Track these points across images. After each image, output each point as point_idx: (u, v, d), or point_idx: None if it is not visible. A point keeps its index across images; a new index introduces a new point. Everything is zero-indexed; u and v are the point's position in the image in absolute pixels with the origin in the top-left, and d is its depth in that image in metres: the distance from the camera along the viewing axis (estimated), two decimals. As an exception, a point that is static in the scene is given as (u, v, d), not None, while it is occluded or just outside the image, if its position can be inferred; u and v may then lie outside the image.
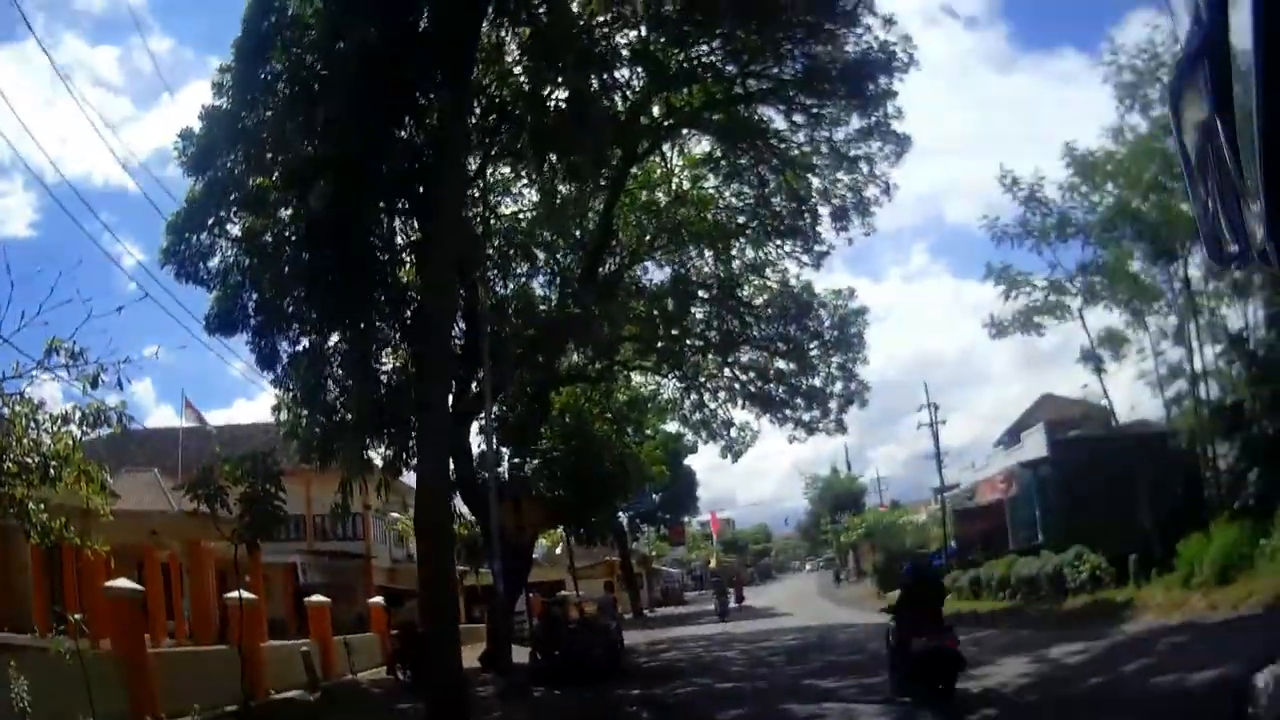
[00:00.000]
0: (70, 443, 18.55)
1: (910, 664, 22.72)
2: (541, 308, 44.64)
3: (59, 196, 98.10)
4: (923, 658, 22.33)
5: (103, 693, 22.29)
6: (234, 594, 32.22)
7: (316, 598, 42.89)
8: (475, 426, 42.29)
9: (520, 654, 39.39)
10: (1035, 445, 56.56)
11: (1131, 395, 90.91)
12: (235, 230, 34.15)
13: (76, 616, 21.15)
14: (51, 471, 18.00)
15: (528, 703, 33.17)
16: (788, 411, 53.49)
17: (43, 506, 18.45)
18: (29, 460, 17.73)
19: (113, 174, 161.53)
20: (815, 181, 47.04)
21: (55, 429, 18.58)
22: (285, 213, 33.30)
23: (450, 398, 37.86)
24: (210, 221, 33.24)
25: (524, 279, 45.71)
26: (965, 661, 23.04)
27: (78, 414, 18.87)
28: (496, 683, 36.38)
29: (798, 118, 44.88)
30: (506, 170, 42.64)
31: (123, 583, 27.36)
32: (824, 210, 47.24)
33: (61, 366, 18.17)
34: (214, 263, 33.76)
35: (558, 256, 47.23)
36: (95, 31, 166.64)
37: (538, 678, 36.81)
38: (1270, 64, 1.92)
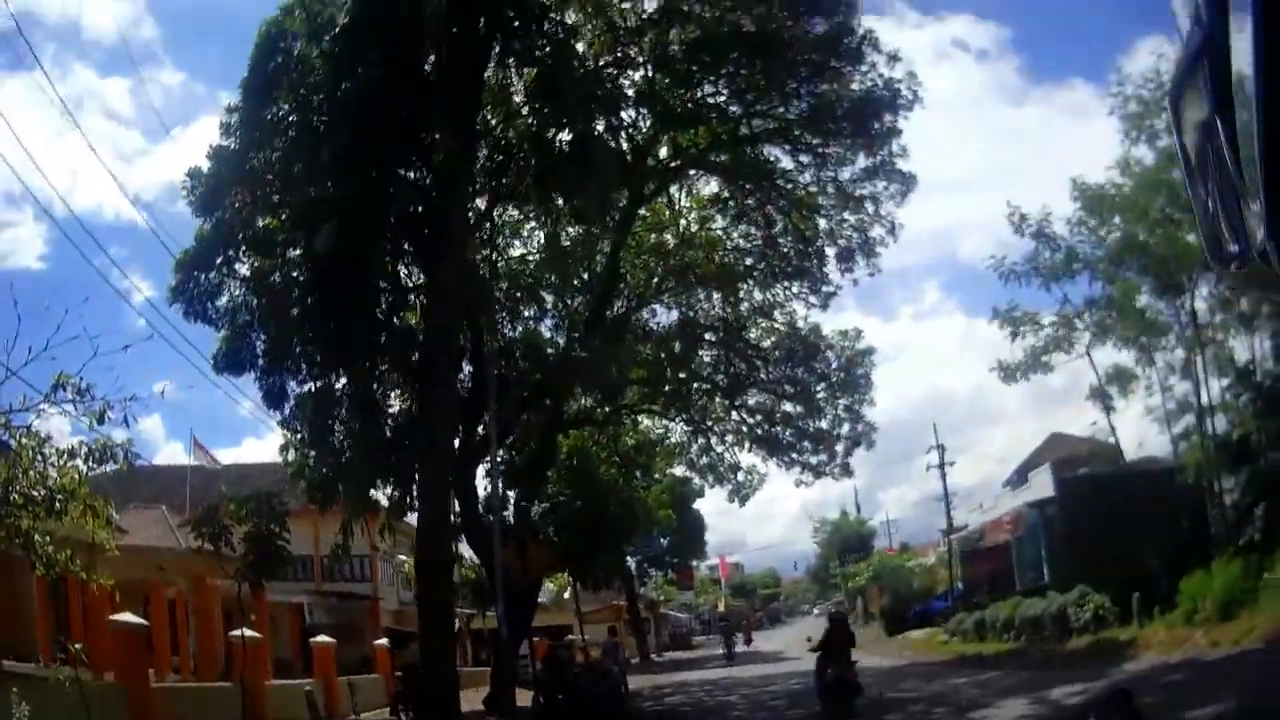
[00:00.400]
0: (76, 477, 18.64)
1: (823, 687, 29.20)
2: (549, 350, 44.70)
3: (68, 229, 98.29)
4: (831, 684, 28.78)
5: (109, 724, 22.39)
6: (238, 632, 32.33)
7: (321, 638, 42.93)
8: (482, 469, 42.24)
9: (525, 697, 39.40)
10: (1042, 485, 56.40)
11: (1139, 432, 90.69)
12: (243, 270, 34.42)
13: (77, 646, 21.20)
14: (57, 505, 18.09)
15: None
16: (795, 454, 53.57)
17: (48, 538, 18.54)
18: (35, 493, 17.82)
19: (124, 207, 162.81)
20: (822, 222, 47.16)
21: (61, 463, 18.68)
22: (294, 253, 33.47)
23: (456, 440, 38.00)
24: (219, 261, 33.50)
25: (532, 322, 45.84)
26: (862, 688, 29.12)
27: (84, 449, 18.97)
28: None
29: (803, 157, 45.20)
30: (514, 213, 42.85)
31: (127, 616, 27.49)
32: (830, 251, 47.50)
33: (68, 401, 18.29)
34: (222, 302, 34.07)
35: (565, 299, 47.23)
36: (107, 63, 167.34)
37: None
38: (1270, 64, 1.93)
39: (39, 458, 18.28)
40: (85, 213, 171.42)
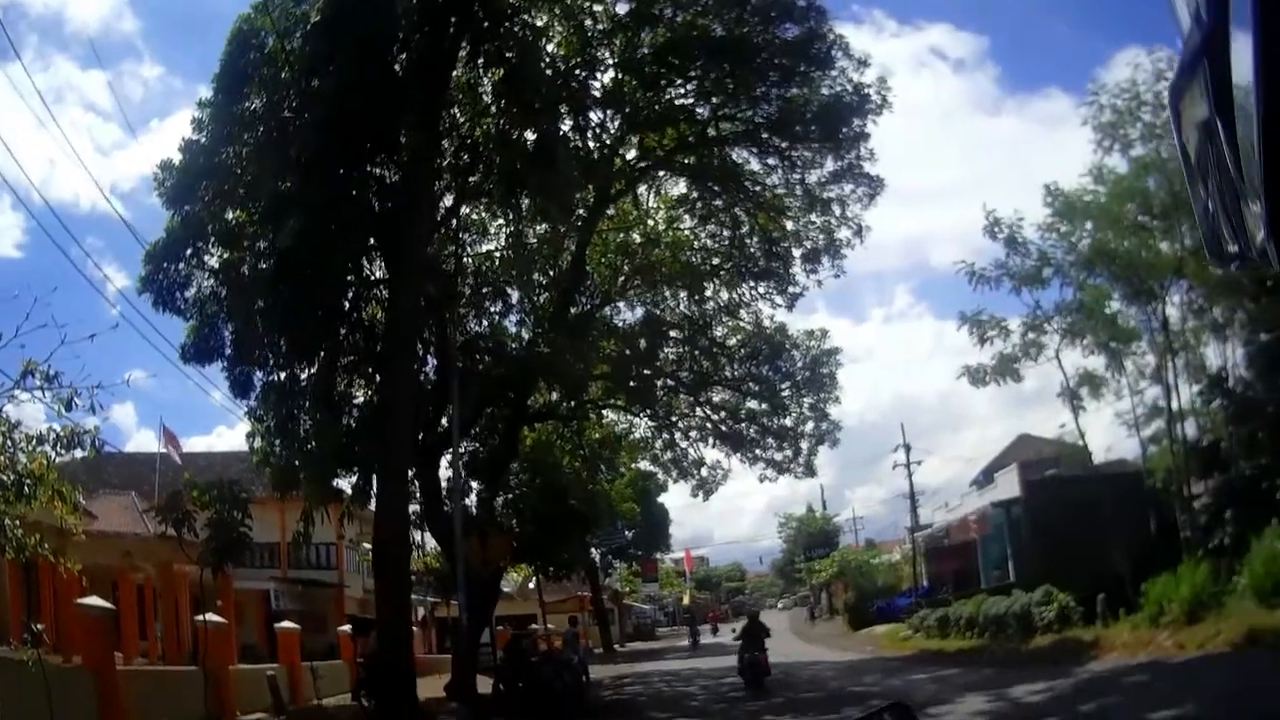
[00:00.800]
0: (45, 462, 18.97)
1: (742, 666, 39.73)
2: (513, 345, 44.90)
3: (44, 219, 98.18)
4: (747, 664, 39.30)
5: (73, 707, 22.69)
6: (202, 617, 32.72)
7: (286, 624, 43.25)
8: (445, 460, 42.39)
9: (486, 684, 39.72)
10: (1009, 485, 56.94)
11: (1110, 436, 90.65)
12: (212, 262, 34.65)
13: (39, 626, 21.54)
14: (26, 489, 18.43)
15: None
16: (758, 451, 53.92)
17: (18, 523, 18.89)
18: (4, 477, 18.16)
19: (101, 198, 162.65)
20: (788, 224, 47.53)
21: (30, 449, 19.01)
22: (261, 246, 33.68)
23: (420, 432, 38.35)
24: (188, 253, 33.72)
25: (497, 316, 45.74)
26: (769, 669, 39.77)
27: (52, 435, 19.30)
28: (460, 712, 36.57)
29: (771, 160, 45.40)
30: (481, 210, 43.02)
31: (94, 600, 27.74)
32: (797, 252, 47.99)
33: (37, 388, 18.61)
34: (191, 293, 34.27)
35: (530, 295, 47.03)
36: (89, 56, 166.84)
37: (500, 708, 37.18)
38: (1270, 64, 1.96)
39: (8, 443, 18.62)
40: (63, 203, 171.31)
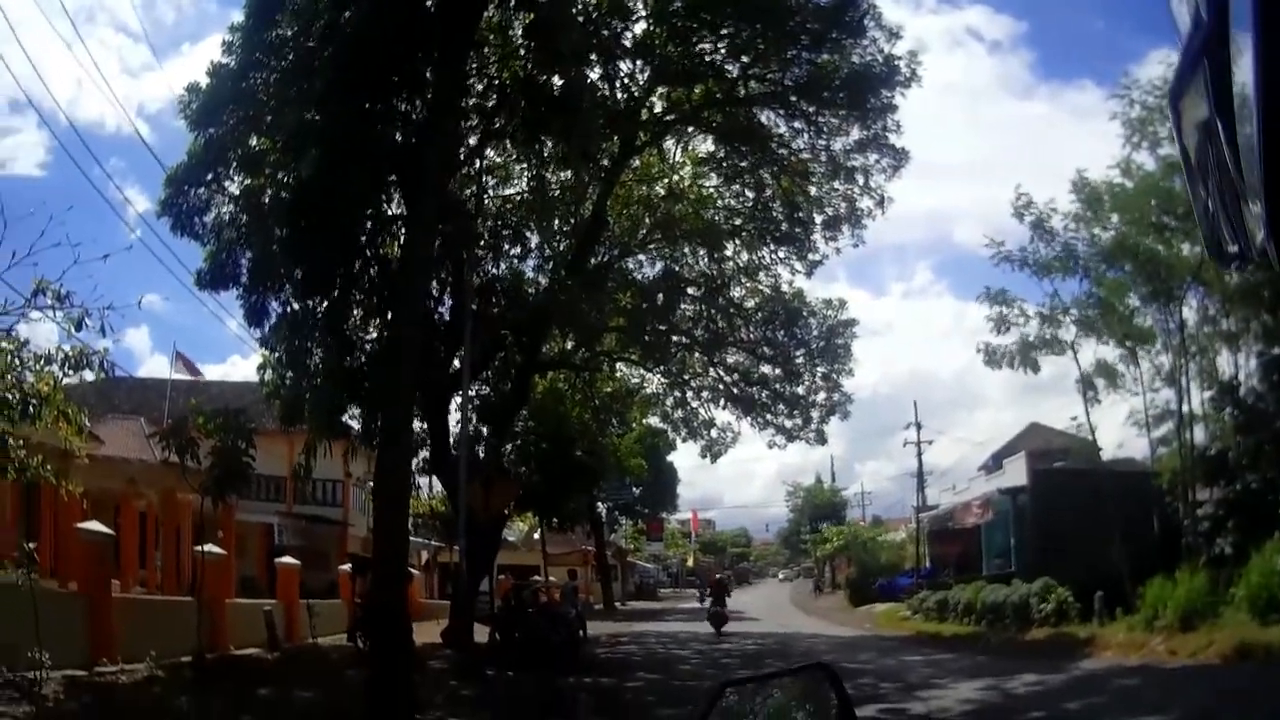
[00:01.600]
0: (52, 383, 18.85)
1: (710, 614, 53.78)
2: (530, 291, 44.60)
3: (67, 139, 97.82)
4: (712, 612, 53.53)
5: (66, 631, 22.61)
6: (200, 548, 32.62)
7: (286, 559, 43.19)
8: (455, 403, 42.23)
9: (484, 633, 39.63)
10: (1016, 473, 56.78)
11: (1121, 433, 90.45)
12: (233, 188, 34.46)
13: (30, 545, 21.38)
14: (31, 409, 18.31)
15: (480, 681, 33.28)
16: (769, 416, 53.80)
17: (21, 443, 18.77)
18: (9, 396, 18.04)
19: (126, 120, 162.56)
20: (811, 189, 47.42)
21: (38, 368, 18.89)
22: (282, 175, 33.44)
23: (430, 373, 38.14)
24: (209, 177, 33.49)
25: (515, 260, 45.58)
26: (728, 617, 54.40)
27: (61, 355, 19.18)
28: (453, 659, 36.51)
29: (797, 123, 45.24)
30: (504, 153, 42.60)
31: (94, 525, 27.62)
32: (818, 218, 47.86)
33: (49, 307, 18.48)
34: (209, 218, 34.09)
35: (550, 241, 47.01)
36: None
37: (495, 658, 37.03)
38: (1270, 64, 1.92)
39: (16, 361, 18.50)
40: (89, 122, 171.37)
